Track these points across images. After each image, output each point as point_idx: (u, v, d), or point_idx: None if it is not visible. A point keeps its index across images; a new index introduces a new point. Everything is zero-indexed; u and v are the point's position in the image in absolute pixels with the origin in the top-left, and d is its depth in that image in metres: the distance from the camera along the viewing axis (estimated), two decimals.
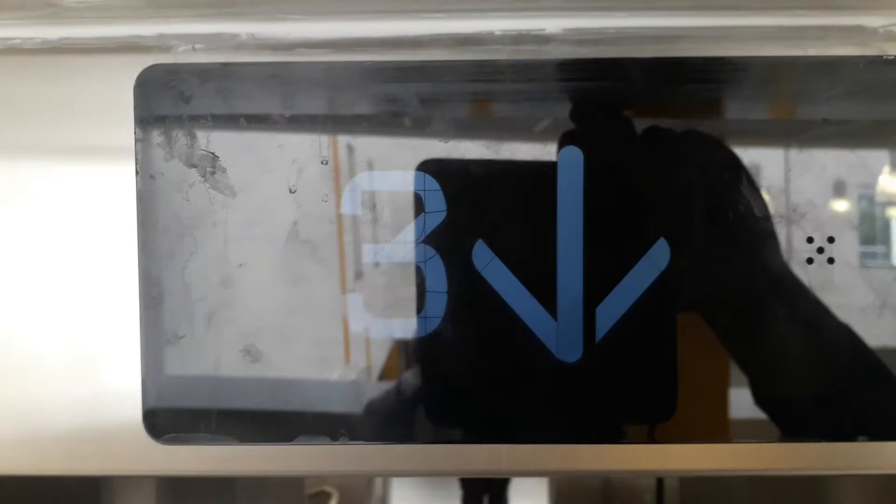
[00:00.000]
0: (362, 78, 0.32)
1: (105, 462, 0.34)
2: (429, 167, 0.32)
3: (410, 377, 0.33)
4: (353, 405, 0.32)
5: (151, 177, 0.32)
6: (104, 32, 0.34)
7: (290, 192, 0.32)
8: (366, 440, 0.33)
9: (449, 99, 0.32)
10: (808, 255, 0.32)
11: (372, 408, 0.33)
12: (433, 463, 0.33)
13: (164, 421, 0.33)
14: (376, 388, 0.33)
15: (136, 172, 0.32)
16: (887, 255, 0.32)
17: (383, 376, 0.33)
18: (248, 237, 0.32)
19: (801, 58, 0.32)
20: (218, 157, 0.32)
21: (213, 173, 0.32)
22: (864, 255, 0.32)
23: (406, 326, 0.32)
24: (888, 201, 0.32)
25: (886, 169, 0.32)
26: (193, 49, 0.33)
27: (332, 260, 0.32)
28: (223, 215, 0.32)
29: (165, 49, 0.33)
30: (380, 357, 0.33)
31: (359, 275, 0.32)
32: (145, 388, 0.33)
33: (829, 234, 0.32)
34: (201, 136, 0.32)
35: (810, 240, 0.32)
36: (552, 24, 0.33)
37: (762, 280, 0.32)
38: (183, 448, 0.33)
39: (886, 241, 0.32)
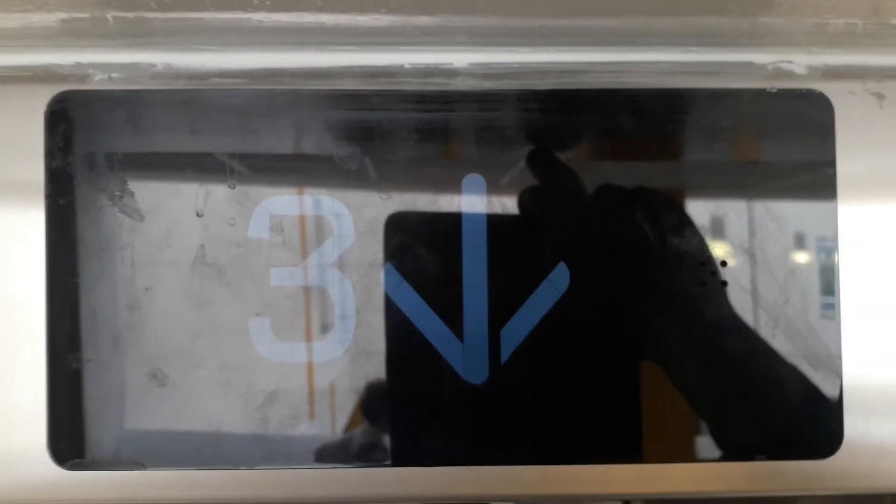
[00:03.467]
0: (271, 105, 0.33)
1: (9, 490, 0.33)
2: (337, 192, 0.33)
3: (318, 400, 0.33)
4: (259, 430, 0.33)
5: (60, 201, 0.32)
6: (21, 61, 0.34)
7: (198, 215, 0.33)
8: (273, 465, 0.33)
9: (357, 126, 0.33)
10: (701, 279, 0.33)
11: (280, 432, 0.33)
12: (342, 488, 0.33)
13: (69, 446, 0.32)
14: (283, 412, 0.33)
15: (45, 196, 0.32)
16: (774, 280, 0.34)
17: (290, 400, 0.33)
18: (154, 261, 0.32)
19: (692, 90, 0.34)
20: (126, 180, 0.32)
21: (121, 197, 0.32)
22: (757, 280, 0.34)
23: (314, 350, 0.33)
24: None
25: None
26: (110, 78, 0.34)
27: (240, 283, 0.33)
28: (130, 239, 0.32)
29: (82, 77, 0.34)
30: (287, 381, 0.33)
31: (266, 298, 0.33)
32: (51, 412, 0.32)
33: (723, 259, 0.33)
34: (110, 160, 0.33)
35: (703, 263, 0.33)
36: (459, 58, 0.34)
37: (658, 302, 0.33)
38: (89, 474, 0.33)
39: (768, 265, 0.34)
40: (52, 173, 0.32)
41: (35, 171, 0.32)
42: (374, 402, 0.33)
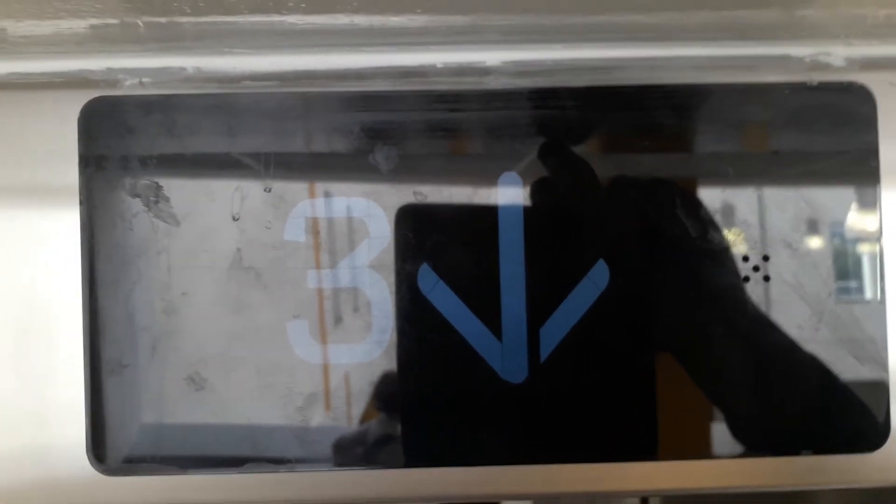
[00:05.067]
0: (304, 107, 0.33)
1: (50, 494, 0.33)
2: (372, 193, 0.33)
3: (357, 402, 0.33)
4: (299, 432, 0.32)
5: (95, 206, 0.32)
6: (52, 67, 0.34)
7: (234, 219, 0.32)
8: (313, 467, 0.32)
9: (391, 127, 0.33)
10: (744, 274, 0.33)
11: (320, 433, 0.33)
12: (382, 489, 0.33)
13: (109, 452, 0.32)
14: (322, 414, 0.33)
15: (80, 202, 0.32)
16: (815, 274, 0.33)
17: (329, 402, 0.33)
18: (191, 265, 0.32)
19: (730, 84, 0.33)
20: (161, 186, 0.32)
21: (156, 202, 0.32)
22: (801, 273, 0.33)
23: (352, 351, 0.33)
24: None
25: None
26: (141, 83, 0.33)
27: (277, 286, 0.32)
28: (166, 244, 0.32)
29: (113, 83, 0.33)
30: (326, 382, 0.33)
31: (304, 301, 0.32)
32: (91, 417, 0.32)
33: (765, 253, 0.33)
34: (144, 165, 0.32)
35: (746, 258, 0.33)
36: (491, 56, 0.34)
37: (700, 298, 0.33)
38: (129, 479, 0.33)
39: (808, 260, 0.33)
40: (86, 179, 0.32)
41: (69, 176, 0.32)
42: (412, 403, 0.33)
